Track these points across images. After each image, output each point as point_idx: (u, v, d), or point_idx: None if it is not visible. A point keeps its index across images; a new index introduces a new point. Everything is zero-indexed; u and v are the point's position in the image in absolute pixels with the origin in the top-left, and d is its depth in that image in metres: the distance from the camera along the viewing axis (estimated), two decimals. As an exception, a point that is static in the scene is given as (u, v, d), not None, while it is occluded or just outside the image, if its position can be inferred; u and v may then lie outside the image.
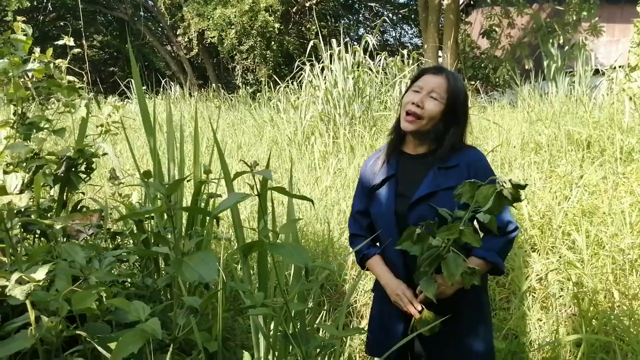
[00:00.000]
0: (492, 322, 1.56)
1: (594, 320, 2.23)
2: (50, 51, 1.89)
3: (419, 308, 1.38)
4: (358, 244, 1.55)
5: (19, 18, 1.86)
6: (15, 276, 1.11)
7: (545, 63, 6.28)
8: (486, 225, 1.15)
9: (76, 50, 2.00)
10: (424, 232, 1.22)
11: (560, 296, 2.45)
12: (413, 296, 1.40)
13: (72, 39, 1.97)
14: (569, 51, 6.52)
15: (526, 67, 8.71)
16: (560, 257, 2.64)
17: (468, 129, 1.48)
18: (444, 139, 1.40)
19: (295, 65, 6.43)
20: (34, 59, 1.85)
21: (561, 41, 8.29)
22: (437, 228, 1.23)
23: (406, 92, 1.44)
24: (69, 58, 1.97)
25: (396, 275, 1.48)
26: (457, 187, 1.30)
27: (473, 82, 7.12)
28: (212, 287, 2.00)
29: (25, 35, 1.85)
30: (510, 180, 1.08)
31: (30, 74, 1.91)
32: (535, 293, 2.51)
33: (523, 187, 1.09)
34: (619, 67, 4.83)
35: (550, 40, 7.49)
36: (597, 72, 5.74)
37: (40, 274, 1.17)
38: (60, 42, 1.99)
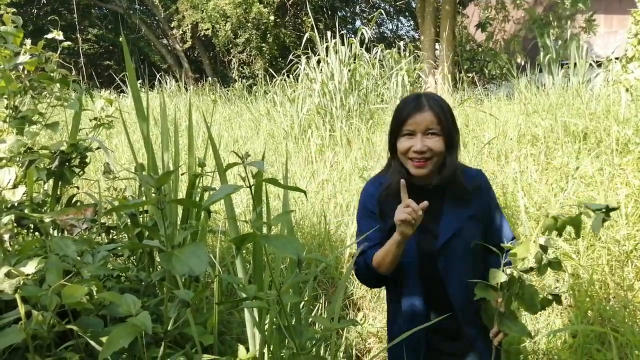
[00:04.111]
0: None
1: (589, 311, 2.24)
2: (41, 43, 1.87)
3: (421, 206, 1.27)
4: (359, 262, 1.44)
5: (9, 10, 1.83)
6: (4, 270, 1.10)
7: (541, 55, 6.28)
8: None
9: (66, 43, 1.97)
10: (516, 275, 1.13)
11: (556, 287, 2.46)
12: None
13: (61, 32, 1.94)
14: (562, 45, 6.50)
15: (518, 61, 8.70)
16: (556, 248, 2.64)
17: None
18: (450, 166, 1.37)
19: (290, 58, 6.41)
20: (25, 51, 1.82)
21: (555, 33, 8.28)
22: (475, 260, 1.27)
23: (395, 135, 1.39)
24: (59, 51, 1.95)
25: (417, 322, 1.34)
26: (472, 212, 1.36)
27: (470, 75, 7.10)
28: (208, 281, 1.99)
29: (16, 27, 1.82)
30: (607, 207, 1.01)
31: (22, 67, 1.89)
32: (531, 284, 2.51)
33: (616, 209, 1.03)
34: (615, 59, 4.82)
35: (546, 32, 7.47)
36: (591, 64, 5.73)
37: (30, 267, 1.16)
38: (50, 36, 1.97)
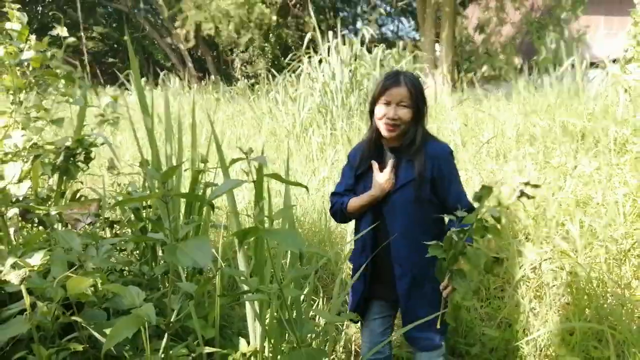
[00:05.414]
0: None
1: (586, 309, 2.25)
2: (46, 40, 1.89)
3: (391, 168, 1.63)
4: (338, 201, 1.76)
5: (14, 6, 1.85)
6: (10, 261, 1.12)
7: (538, 57, 6.29)
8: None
9: (70, 39, 2.00)
10: (458, 237, 1.28)
11: (554, 285, 2.47)
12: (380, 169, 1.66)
13: (65, 29, 1.97)
14: (559, 47, 6.51)
15: (515, 62, 8.75)
16: (554, 246, 2.66)
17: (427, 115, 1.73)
18: (412, 133, 1.64)
19: (290, 57, 6.43)
20: (29, 47, 1.84)
21: (551, 36, 8.31)
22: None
23: (374, 103, 1.67)
24: (64, 48, 1.97)
25: (365, 254, 1.71)
26: (421, 173, 1.61)
27: (469, 75, 7.12)
28: (209, 276, 2.01)
29: (21, 23, 1.85)
30: (528, 182, 1.18)
31: (27, 63, 1.91)
32: (529, 282, 2.53)
33: (539, 186, 1.20)
34: (613, 60, 4.84)
35: (542, 34, 7.49)
36: (591, 64, 5.74)
37: (36, 259, 1.18)
38: (54, 33, 1.99)
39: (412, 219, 1.63)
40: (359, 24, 16.05)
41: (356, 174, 1.74)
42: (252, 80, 10.19)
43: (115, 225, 1.99)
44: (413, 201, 1.62)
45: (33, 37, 1.87)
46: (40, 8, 14.28)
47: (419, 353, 1.72)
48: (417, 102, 1.63)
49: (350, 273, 1.92)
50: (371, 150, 1.72)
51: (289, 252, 1.95)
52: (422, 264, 1.58)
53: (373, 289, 1.74)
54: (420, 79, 1.76)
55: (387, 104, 1.62)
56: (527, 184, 1.16)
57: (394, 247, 1.65)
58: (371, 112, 1.70)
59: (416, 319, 1.56)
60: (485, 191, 1.21)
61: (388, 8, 16.08)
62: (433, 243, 1.33)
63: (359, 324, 2.43)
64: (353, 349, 2.27)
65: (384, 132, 1.65)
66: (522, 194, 1.17)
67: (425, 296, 1.65)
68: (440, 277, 1.37)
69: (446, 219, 1.41)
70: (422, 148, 1.64)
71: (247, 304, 1.64)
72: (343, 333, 2.27)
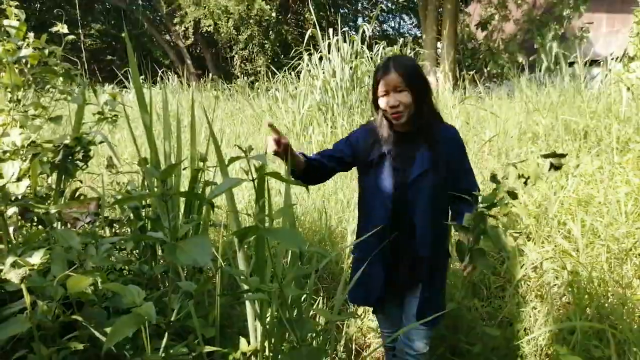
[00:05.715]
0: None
1: (587, 308, 2.25)
2: (44, 37, 1.88)
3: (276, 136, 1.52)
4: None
5: (12, 3, 1.84)
6: (10, 260, 1.11)
7: (540, 55, 6.28)
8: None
9: (70, 37, 1.98)
10: (482, 214, 1.30)
11: (555, 285, 2.47)
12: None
13: (65, 26, 1.96)
14: (562, 45, 6.50)
15: (519, 60, 8.74)
16: (555, 246, 2.65)
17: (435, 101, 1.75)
18: (420, 116, 1.67)
19: (291, 55, 6.41)
20: (27, 44, 1.83)
21: (553, 34, 8.30)
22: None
23: (375, 96, 1.71)
24: (63, 45, 1.95)
25: (383, 241, 1.69)
26: (440, 157, 1.66)
27: (470, 73, 7.10)
28: (209, 276, 2.01)
29: (19, 20, 1.83)
30: (554, 152, 1.21)
31: (25, 61, 1.90)
32: (530, 281, 2.53)
33: (564, 155, 1.22)
34: (614, 59, 4.82)
35: (544, 32, 7.48)
36: (593, 62, 5.73)
37: (36, 258, 1.18)
38: (54, 29, 1.98)
39: (434, 202, 1.68)
40: (359, 21, 16.02)
41: (368, 160, 1.74)
42: (252, 78, 10.18)
43: (114, 224, 1.98)
44: (434, 184, 1.66)
45: (31, 34, 1.86)
46: (39, 5, 14.23)
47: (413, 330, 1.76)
48: (412, 82, 1.64)
49: (351, 271, 1.90)
50: (382, 137, 1.73)
51: (290, 251, 1.94)
52: (439, 244, 1.71)
53: (394, 275, 1.76)
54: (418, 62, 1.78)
55: (386, 93, 1.66)
56: (551, 155, 1.15)
57: (419, 230, 1.68)
58: (374, 103, 1.74)
59: (431, 298, 1.72)
60: (509, 170, 1.23)
61: (389, 4, 16.04)
62: (454, 223, 1.38)
63: (359, 322, 2.44)
64: (354, 348, 2.27)
65: (392, 120, 1.69)
66: (552, 165, 1.17)
67: (440, 274, 1.76)
68: (461, 257, 1.41)
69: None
70: (435, 129, 1.69)
71: (248, 303, 1.64)
72: (344, 333, 2.26)
